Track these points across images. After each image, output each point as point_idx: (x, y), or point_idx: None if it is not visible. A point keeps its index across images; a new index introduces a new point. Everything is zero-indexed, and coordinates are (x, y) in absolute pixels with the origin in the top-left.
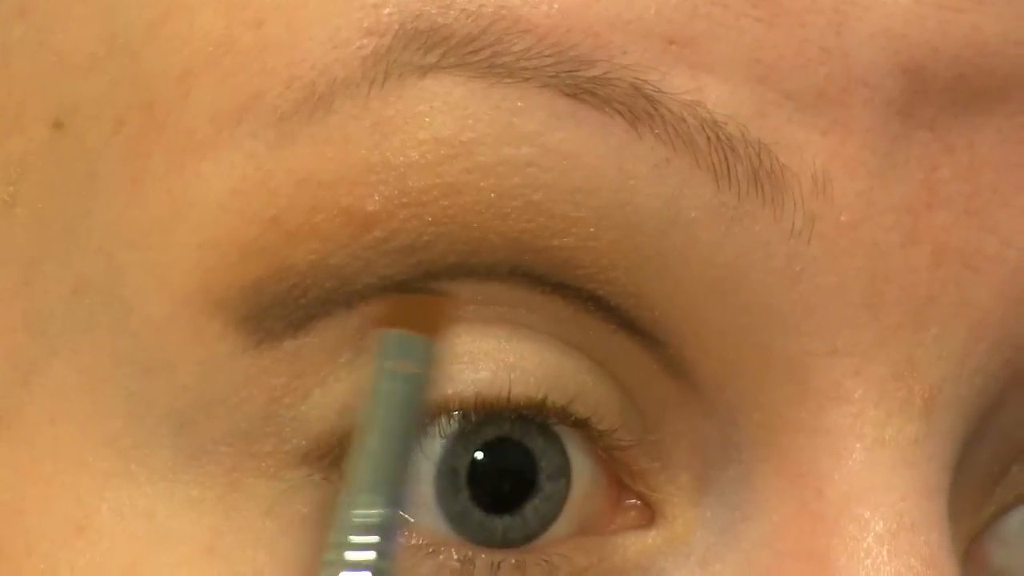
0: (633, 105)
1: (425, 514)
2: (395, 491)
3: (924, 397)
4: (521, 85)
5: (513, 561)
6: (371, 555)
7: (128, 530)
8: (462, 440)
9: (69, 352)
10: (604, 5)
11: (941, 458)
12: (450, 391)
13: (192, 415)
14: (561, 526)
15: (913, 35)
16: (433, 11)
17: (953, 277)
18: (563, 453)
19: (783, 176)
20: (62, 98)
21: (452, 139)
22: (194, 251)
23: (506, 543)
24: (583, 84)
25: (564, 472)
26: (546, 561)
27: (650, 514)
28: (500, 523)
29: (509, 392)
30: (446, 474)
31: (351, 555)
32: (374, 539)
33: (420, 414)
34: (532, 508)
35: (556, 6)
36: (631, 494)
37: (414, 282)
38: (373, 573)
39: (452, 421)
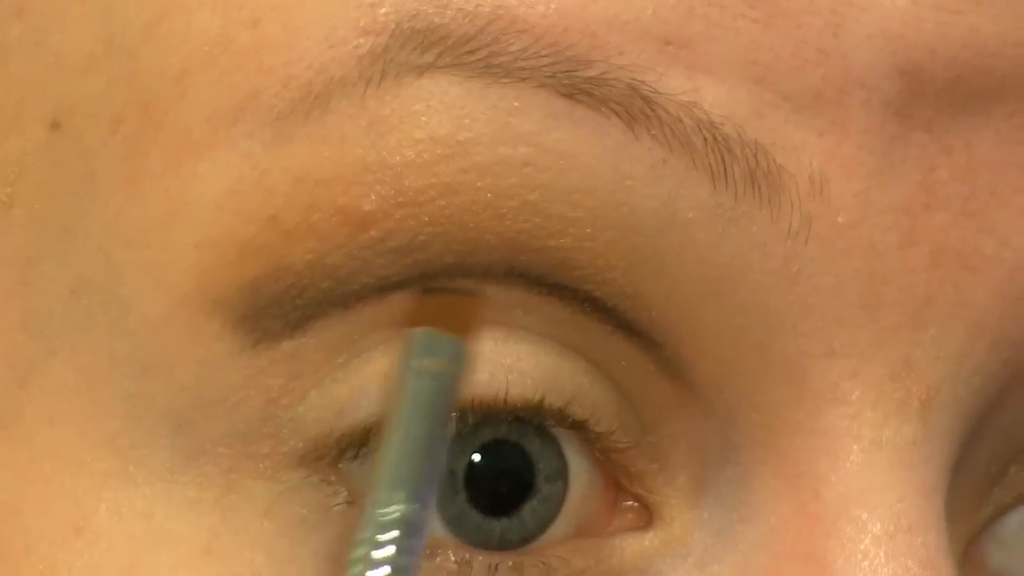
0: (630, 106)
1: None
2: (421, 489)
3: (922, 398)
4: (518, 85)
5: (511, 563)
6: (397, 552)
7: (126, 531)
8: (459, 442)
9: (67, 352)
10: (601, 5)
11: (939, 459)
12: None
13: (190, 415)
14: (559, 528)
15: (911, 36)
16: (430, 11)
17: (951, 278)
18: (561, 455)
19: (780, 177)
20: (59, 98)
21: (449, 139)
22: (192, 250)
23: (504, 545)
24: (580, 84)
25: (562, 474)
26: (544, 563)
27: (648, 516)
28: (498, 525)
29: (506, 394)
30: (443, 476)
31: (377, 553)
32: (400, 536)
33: (448, 413)
34: (530, 510)
35: (553, 6)
36: (629, 496)
37: (411, 282)
38: (399, 570)
39: (449, 423)
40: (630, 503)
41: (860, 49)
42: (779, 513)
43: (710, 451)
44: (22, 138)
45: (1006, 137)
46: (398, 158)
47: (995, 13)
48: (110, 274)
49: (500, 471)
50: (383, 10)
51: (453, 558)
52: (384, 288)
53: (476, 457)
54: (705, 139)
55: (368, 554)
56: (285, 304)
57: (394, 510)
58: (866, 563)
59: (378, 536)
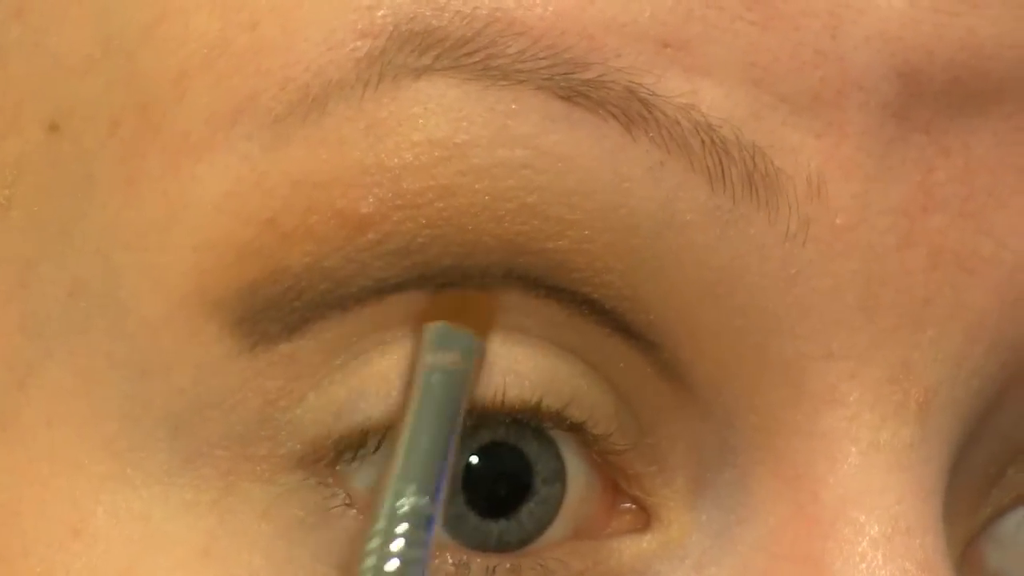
0: (628, 108)
1: None
2: (434, 483)
3: (919, 400)
4: (516, 87)
5: (508, 565)
6: (408, 544)
7: (124, 533)
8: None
9: (65, 354)
10: (599, 8)
11: (937, 461)
12: None
13: (188, 418)
14: (556, 530)
15: (908, 38)
16: (427, 13)
17: (949, 279)
18: (558, 457)
19: (778, 179)
20: (58, 100)
21: (446, 141)
22: (190, 253)
23: (501, 547)
24: (577, 87)
25: (559, 476)
26: (541, 565)
27: (646, 518)
28: (495, 527)
29: (504, 396)
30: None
31: (390, 545)
32: (412, 529)
33: (461, 408)
34: (527, 512)
35: (551, 8)
36: (626, 498)
37: (408, 285)
38: (411, 562)
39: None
40: (628, 505)
41: (858, 51)
42: (777, 515)
43: (708, 453)
44: (20, 140)
45: (1004, 139)
46: (396, 160)
47: (993, 15)
48: (108, 276)
49: (498, 473)
50: (381, 13)
51: (451, 560)
52: (382, 290)
53: (474, 459)
54: (703, 141)
55: (381, 546)
56: (283, 306)
57: (406, 503)
58: (864, 565)
59: (391, 528)
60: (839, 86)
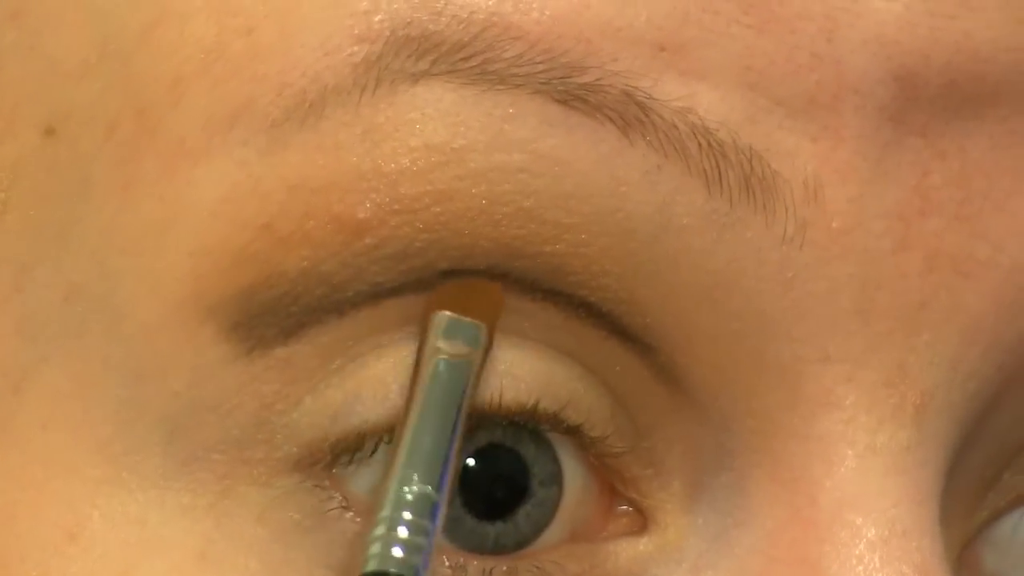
0: (624, 112)
1: None
2: (439, 471)
3: (916, 403)
4: (512, 92)
5: (505, 568)
6: (412, 532)
7: (120, 537)
8: None
9: (61, 358)
10: (595, 12)
11: (933, 464)
12: None
13: (183, 422)
14: (553, 533)
15: (904, 42)
16: (424, 18)
17: (945, 283)
18: (555, 460)
19: (774, 182)
20: (54, 104)
21: (443, 146)
22: (186, 257)
23: (498, 550)
24: (574, 91)
25: (556, 479)
26: (538, 568)
27: (642, 521)
28: (492, 529)
29: (500, 398)
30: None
31: (395, 531)
32: (416, 517)
33: (468, 396)
34: (524, 514)
35: (547, 13)
36: (623, 501)
37: (405, 289)
38: (415, 549)
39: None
40: (624, 508)
41: (854, 55)
42: (774, 518)
43: (705, 456)
44: (16, 144)
45: (999, 142)
46: (393, 165)
47: (988, 18)
48: (104, 280)
49: (495, 475)
50: (378, 17)
51: (447, 562)
52: (379, 295)
53: (471, 461)
54: (700, 145)
55: (386, 533)
56: (279, 311)
57: (412, 490)
58: (861, 568)
59: (397, 515)
60: (835, 90)
